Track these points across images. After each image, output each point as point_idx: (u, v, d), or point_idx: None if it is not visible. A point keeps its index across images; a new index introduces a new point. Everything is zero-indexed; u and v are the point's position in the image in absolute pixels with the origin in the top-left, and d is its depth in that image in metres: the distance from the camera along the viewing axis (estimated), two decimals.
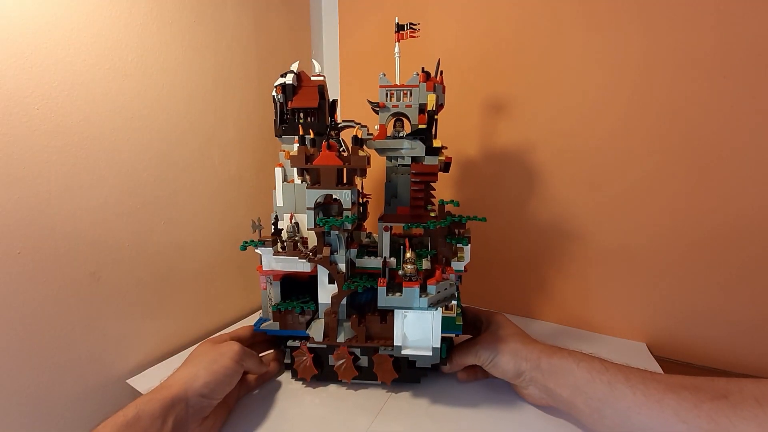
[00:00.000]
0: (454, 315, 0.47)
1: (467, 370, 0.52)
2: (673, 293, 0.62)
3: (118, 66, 0.51)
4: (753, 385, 0.32)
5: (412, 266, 0.44)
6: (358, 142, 0.47)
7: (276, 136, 0.54)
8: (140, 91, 0.54)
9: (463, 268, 0.49)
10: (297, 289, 0.54)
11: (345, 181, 0.47)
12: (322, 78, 0.52)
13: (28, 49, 0.43)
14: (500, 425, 0.46)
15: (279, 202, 0.52)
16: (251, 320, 0.72)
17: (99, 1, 0.49)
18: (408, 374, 0.52)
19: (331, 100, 0.54)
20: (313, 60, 0.55)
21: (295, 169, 0.49)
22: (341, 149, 0.49)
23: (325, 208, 0.50)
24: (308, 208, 0.46)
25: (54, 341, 0.49)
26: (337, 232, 0.47)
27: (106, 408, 0.54)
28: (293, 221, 0.50)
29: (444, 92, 0.49)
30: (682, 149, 0.58)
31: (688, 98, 0.56)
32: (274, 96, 0.52)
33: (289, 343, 0.52)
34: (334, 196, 0.47)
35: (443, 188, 0.74)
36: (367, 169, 0.48)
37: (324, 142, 0.46)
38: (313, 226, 0.47)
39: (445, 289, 0.45)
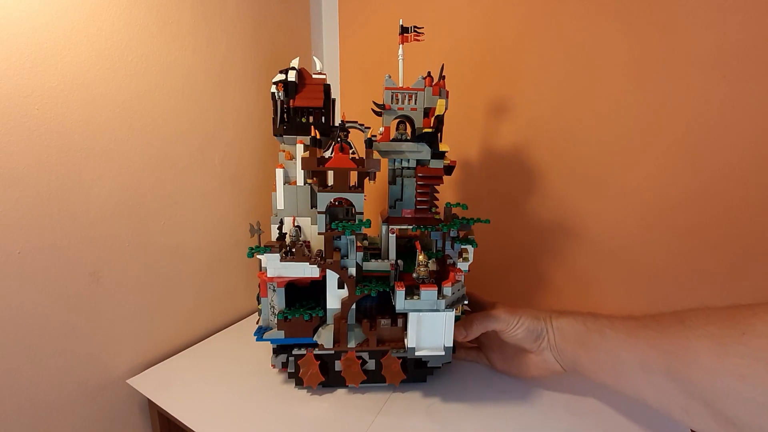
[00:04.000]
0: (459, 314, 0.48)
1: (474, 350, 0.58)
2: (672, 293, 0.63)
3: (118, 66, 0.51)
4: (705, 311, 0.36)
5: (426, 269, 0.44)
6: (371, 144, 0.46)
7: (275, 135, 0.52)
8: (140, 91, 0.54)
9: (467, 269, 0.49)
10: (296, 296, 0.53)
11: (354, 183, 0.47)
12: (324, 76, 0.51)
13: (28, 48, 0.43)
14: (503, 425, 0.47)
15: (280, 204, 0.51)
16: (251, 321, 0.72)
17: (99, 1, 0.48)
18: (415, 374, 0.52)
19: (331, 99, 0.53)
20: (315, 57, 0.54)
21: (299, 170, 0.48)
22: (351, 151, 0.49)
23: (330, 212, 0.49)
24: (319, 212, 0.45)
25: (54, 341, 0.48)
26: (353, 236, 0.47)
27: (106, 408, 0.54)
28: (295, 224, 0.50)
29: (447, 97, 0.49)
30: (682, 150, 0.58)
31: (688, 99, 0.57)
32: (274, 93, 0.50)
33: (295, 351, 0.51)
34: (335, 199, 0.46)
35: (442, 188, 0.75)
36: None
37: (336, 144, 0.45)
38: (323, 230, 0.46)
39: (458, 290, 0.45)
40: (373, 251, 0.54)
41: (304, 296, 0.53)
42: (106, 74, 0.50)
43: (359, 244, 0.51)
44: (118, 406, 0.56)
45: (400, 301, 0.44)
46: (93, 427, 0.53)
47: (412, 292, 0.45)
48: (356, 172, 0.46)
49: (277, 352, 0.52)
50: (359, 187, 0.46)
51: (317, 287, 0.50)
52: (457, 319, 0.48)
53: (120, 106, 0.52)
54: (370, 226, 0.46)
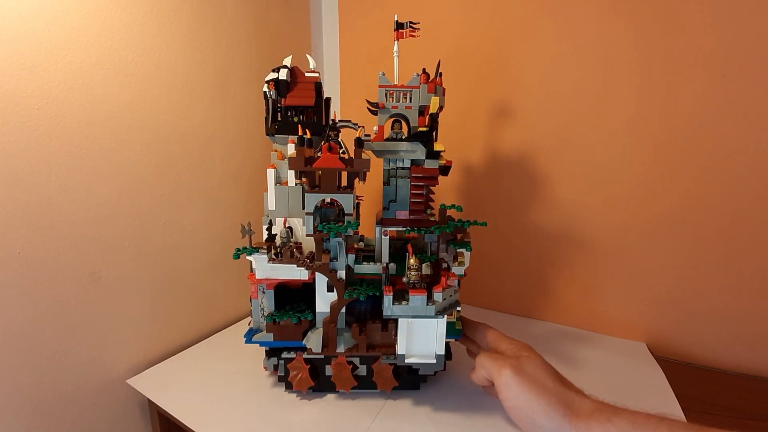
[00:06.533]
0: (454, 320, 0.46)
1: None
2: (672, 293, 0.61)
3: (118, 66, 0.51)
4: None
5: (417, 273, 0.43)
6: (360, 144, 0.45)
7: (267, 134, 0.51)
8: (140, 91, 0.54)
9: (463, 273, 0.48)
10: (288, 297, 0.52)
11: (345, 184, 0.46)
12: (317, 74, 0.50)
13: (28, 48, 0.43)
14: None
15: (271, 205, 0.50)
16: None
17: (99, 1, 0.49)
18: (407, 381, 0.50)
19: (324, 97, 0.52)
20: (308, 55, 0.53)
21: (291, 170, 0.47)
22: (341, 151, 0.48)
23: (322, 213, 0.48)
24: (307, 213, 0.44)
25: (54, 341, 0.49)
26: (340, 238, 0.45)
27: (106, 408, 0.55)
28: (287, 225, 0.49)
29: (444, 94, 0.48)
30: (681, 150, 0.57)
31: (687, 98, 0.55)
32: (266, 92, 0.49)
33: (284, 354, 0.50)
34: (329, 200, 0.45)
35: (441, 190, 0.74)
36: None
37: (324, 144, 0.44)
38: (312, 232, 0.45)
39: (450, 295, 0.44)
40: (369, 253, 0.52)
41: (296, 299, 0.52)
42: (106, 74, 0.50)
43: (355, 245, 0.50)
44: (118, 406, 0.56)
45: (388, 306, 0.43)
46: (93, 427, 0.53)
47: (401, 296, 0.43)
48: (346, 173, 0.45)
49: (269, 354, 0.51)
50: (348, 188, 0.45)
51: (309, 290, 0.49)
52: (452, 326, 0.46)
53: (120, 106, 0.52)
54: (357, 228, 0.45)
